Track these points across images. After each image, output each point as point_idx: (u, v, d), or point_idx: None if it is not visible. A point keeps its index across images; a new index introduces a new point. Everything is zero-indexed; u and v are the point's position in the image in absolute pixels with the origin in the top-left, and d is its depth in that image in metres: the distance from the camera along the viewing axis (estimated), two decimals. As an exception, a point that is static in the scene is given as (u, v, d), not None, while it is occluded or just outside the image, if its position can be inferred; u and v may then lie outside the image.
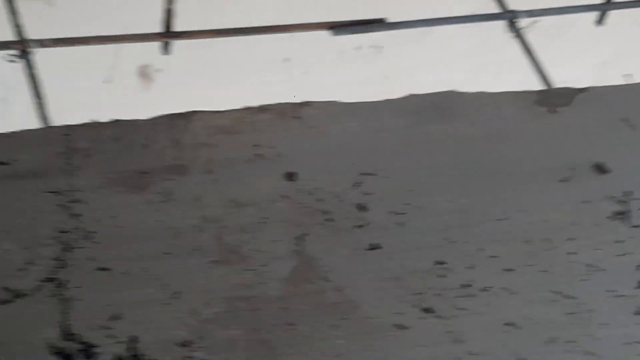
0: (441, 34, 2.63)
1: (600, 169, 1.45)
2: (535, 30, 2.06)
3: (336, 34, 1.67)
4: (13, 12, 1.49)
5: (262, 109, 1.43)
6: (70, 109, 1.67)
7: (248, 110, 1.43)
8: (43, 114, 1.43)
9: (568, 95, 1.56)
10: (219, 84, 2.27)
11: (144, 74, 2.10)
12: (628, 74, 1.90)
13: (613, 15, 2.02)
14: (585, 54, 3.12)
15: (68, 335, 1.12)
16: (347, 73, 2.51)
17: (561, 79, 1.65)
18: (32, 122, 1.53)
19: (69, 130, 1.37)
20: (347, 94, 1.52)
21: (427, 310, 1.23)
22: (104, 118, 1.45)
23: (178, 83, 2.20)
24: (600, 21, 1.98)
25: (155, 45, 1.68)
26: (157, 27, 1.68)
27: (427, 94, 1.52)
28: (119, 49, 1.89)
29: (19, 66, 2.17)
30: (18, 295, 1.14)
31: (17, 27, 1.48)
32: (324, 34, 1.67)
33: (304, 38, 2.20)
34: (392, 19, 1.72)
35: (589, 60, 3.17)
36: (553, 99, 1.55)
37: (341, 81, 2.49)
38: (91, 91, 1.99)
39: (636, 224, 1.39)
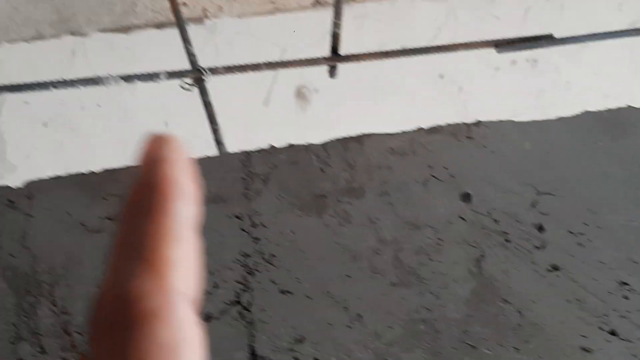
0: (596, 46, 2.53)
1: None
2: None
3: (501, 51, 1.64)
4: (186, 40, 1.54)
5: (434, 129, 1.44)
6: (232, 131, 1.70)
7: (420, 131, 1.43)
8: (218, 139, 1.46)
9: None
10: (373, 102, 2.22)
11: (301, 95, 2.11)
12: None
13: None
14: None
15: (256, 358, 1.16)
16: (503, 88, 2.41)
17: None
18: (192, 147, 1.57)
19: (246, 155, 1.42)
20: (504, 109, 1.54)
21: (611, 332, 1.21)
22: (263, 140, 1.47)
23: (333, 103, 2.17)
24: None
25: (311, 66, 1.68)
26: (311, 50, 1.69)
27: (602, 111, 1.50)
28: (278, 72, 1.92)
29: (178, 92, 2.22)
30: (206, 318, 1.18)
31: (191, 56, 1.53)
32: (479, 50, 1.67)
33: (459, 54, 2.32)
34: (556, 34, 1.63)
35: None
36: None
37: (497, 96, 2.39)
38: (250, 113, 2.01)
39: None
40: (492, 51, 1.66)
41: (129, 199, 0.36)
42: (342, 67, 1.92)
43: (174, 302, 0.35)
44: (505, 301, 1.21)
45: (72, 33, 1.76)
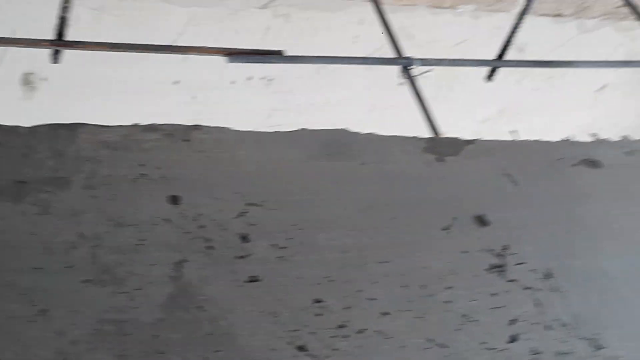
0: (334, 72, 2.64)
1: (481, 221, 1.45)
2: (428, 79, 2.06)
3: (231, 61, 1.65)
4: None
5: (151, 128, 1.40)
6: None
7: (136, 127, 1.39)
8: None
9: (456, 146, 1.55)
10: (106, 100, 2.36)
11: (28, 81, 2.11)
12: (514, 130, 1.86)
13: (503, 72, 1.93)
14: (475, 107, 3.13)
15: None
16: (237, 102, 2.58)
17: (449, 129, 1.61)
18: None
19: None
20: (235, 122, 1.50)
21: (300, 348, 1.22)
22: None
23: (63, 94, 2.27)
24: (490, 77, 1.92)
25: (42, 53, 1.62)
26: (46, 36, 1.65)
27: (319, 130, 1.49)
28: (4, 53, 1.87)
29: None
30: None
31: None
32: (218, 61, 1.67)
33: (197, 63, 2.27)
34: (289, 53, 1.71)
35: (477, 113, 3.19)
36: (441, 148, 1.54)
37: (230, 109, 2.55)
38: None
39: (511, 278, 1.38)
40: (229, 65, 1.66)
41: None
42: (78, 61, 1.83)
43: None
44: (201, 308, 1.19)
45: None
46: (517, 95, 3.22)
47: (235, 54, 1.65)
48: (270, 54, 1.71)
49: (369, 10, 2.01)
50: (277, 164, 1.45)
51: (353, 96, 2.83)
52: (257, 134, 1.48)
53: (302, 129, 1.51)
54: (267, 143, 1.48)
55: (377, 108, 2.90)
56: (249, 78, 2.59)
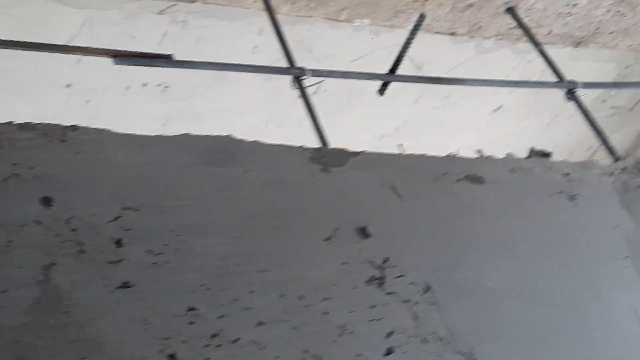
0: (231, 82, 2.64)
1: (363, 232, 1.47)
2: (325, 94, 2.09)
3: (118, 62, 1.63)
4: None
5: (26, 126, 1.36)
6: None
7: (10, 125, 1.35)
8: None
9: (342, 157, 1.59)
10: None
11: None
12: (400, 144, 1.96)
13: (397, 88, 2.02)
14: (373, 124, 3.23)
15: None
16: (131, 108, 2.55)
17: (348, 144, 1.63)
18: None
19: None
20: (129, 129, 1.44)
21: (171, 356, 1.20)
22: None
23: None
24: (381, 91, 2.00)
25: None
26: None
27: (203, 136, 1.49)
28: None
29: None
30: None
31: None
32: (112, 65, 1.65)
33: (91, 67, 2.25)
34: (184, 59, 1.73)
35: (375, 130, 3.28)
36: (328, 158, 1.57)
37: (124, 115, 2.52)
38: None
39: (390, 290, 1.41)
40: (124, 68, 1.66)
41: None
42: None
43: None
44: (68, 314, 1.17)
45: None
46: (415, 113, 3.28)
47: (122, 56, 1.64)
48: (158, 58, 1.70)
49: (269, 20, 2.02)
50: (157, 168, 1.41)
51: (250, 106, 2.83)
52: (138, 137, 1.43)
53: (186, 134, 1.48)
54: (148, 147, 1.43)
55: (274, 119, 2.91)
56: (145, 84, 2.56)
